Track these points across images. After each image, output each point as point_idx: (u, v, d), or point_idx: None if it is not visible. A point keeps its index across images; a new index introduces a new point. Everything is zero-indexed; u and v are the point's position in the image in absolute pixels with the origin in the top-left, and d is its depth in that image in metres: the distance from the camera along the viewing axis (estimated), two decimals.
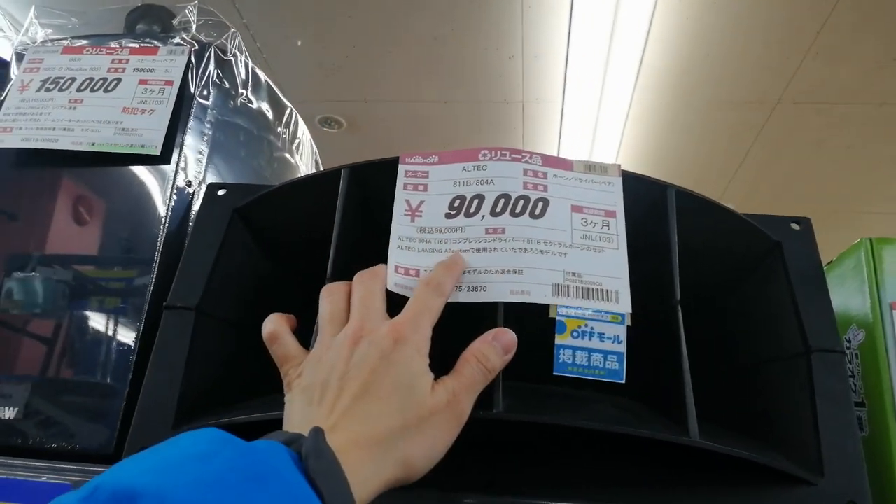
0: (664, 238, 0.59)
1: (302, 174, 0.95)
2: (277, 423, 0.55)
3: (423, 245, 0.56)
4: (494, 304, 0.53)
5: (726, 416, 0.62)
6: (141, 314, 0.64)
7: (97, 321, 0.65)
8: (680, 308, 0.56)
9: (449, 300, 0.52)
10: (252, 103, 0.81)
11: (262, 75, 0.84)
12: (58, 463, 0.58)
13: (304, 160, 0.96)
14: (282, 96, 0.88)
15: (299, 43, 2.81)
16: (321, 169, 1.06)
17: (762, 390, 0.65)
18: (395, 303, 0.53)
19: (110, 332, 0.64)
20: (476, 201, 0.56)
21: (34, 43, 0.77)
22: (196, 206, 0.71)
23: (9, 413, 0.62)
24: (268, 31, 2.78)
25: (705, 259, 0.64)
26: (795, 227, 0.68)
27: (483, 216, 0.56)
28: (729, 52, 2.80)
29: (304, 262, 0.68)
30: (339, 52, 2.92)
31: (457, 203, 0.57)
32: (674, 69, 2.92)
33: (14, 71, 0.77)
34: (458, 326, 0.61)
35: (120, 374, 0.62)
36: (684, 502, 0.54)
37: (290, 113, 0.90)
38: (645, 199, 0.61)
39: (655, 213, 0.61)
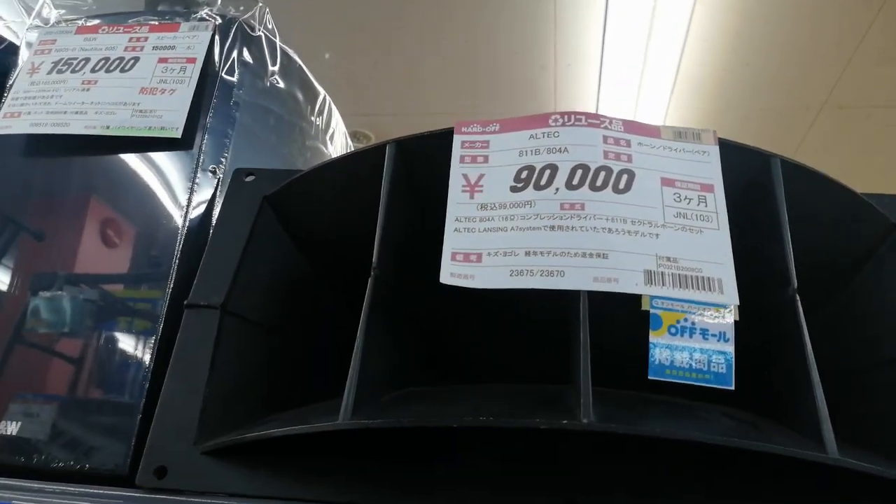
0: (772, 215, 0.50)
1: None
2: (309, 439, 0.47)
3: (485, 224, 0.47)
4: (576, 293, 0.44)
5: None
6: (159, 314, 0.56)
7: (108, 326, 0.57)
8: (799, 297, 0.46)
9: (519, 285, 0.44)
10: (282, 85, 0.73)
11: (293, 55, 0.76)
12: (71, 485, 0.50)
13: (340, 151, 0.88)
14: (315, 81, 0.81)
15: (327, 55, 2.76)
16: None
17: (870, 396, 0.55)
18: (449, 292, 0.45)
19: (125, 339, 0.56)
20: (548, 172, 0.48)
21: (46, 24, 0.70)
22: (221, 194, 0.64)
23: (12, 429, 0.54)
24: (295, 42, 2.74)
25: (809, 244, 0.54)
26: None
27: (557, 189, 0.47)
28: (768, 59, 2.69)
29: (343, 256, 0.60)
30: (367, 65, 2.87)
31: (524, 175, 0.48)
32: (711, 78, 2.81)
33: (24, 55, 0.70)
34: (528, 316, 0.53)
35: (136, 385, 0.54)
36: None
37: (324, 100, 0.82)
38: (742, 172, 0.52)
39: (756, 188, 0.52)
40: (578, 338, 0.42)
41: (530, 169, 0.48)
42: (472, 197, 0.48)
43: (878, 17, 2.45)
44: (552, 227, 0.46)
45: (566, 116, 0.50)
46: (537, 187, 0.47)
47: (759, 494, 0.43)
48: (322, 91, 0.82)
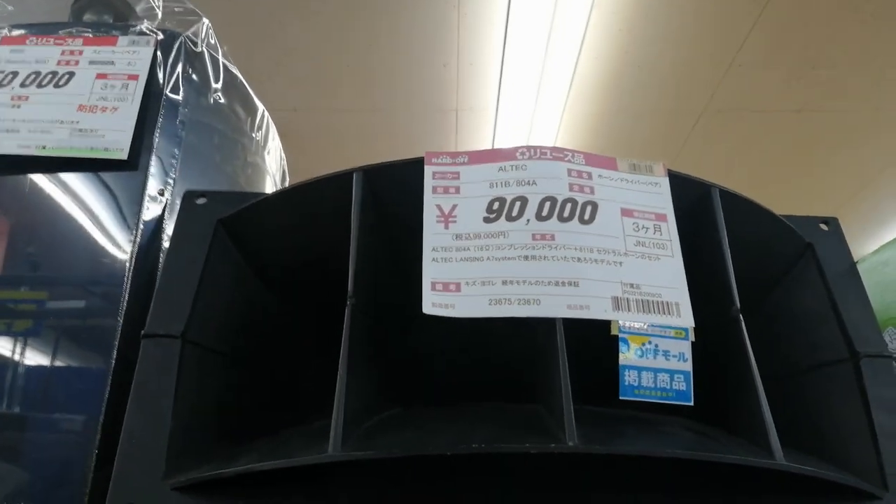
0: (712, 241, 0.54)
1: (271, 183, 0.85)
2: (285, 473, 0.47)
3: (462, 254, 0.49)
4: (551, 321, 0.46)
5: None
6: (112, 345, 0.54)
7: (60, 355, 0.54)
8: (741, 316, 0.51)
9: (499, 314, 0.46)
10: (223, 101, 0.72)
11: (235, 71, 0.74)
12: None
13: (276, 168, 0.87)
14: (254, 96, 0.79)
15: (224, 48, 2.67)
16: (287, 179, 0.97)
17: (803, 400, 0.61)
18: (437, 321, 0.46)
19: (76, 368, 0.54)
20: (518, 204, 0.50)
21: None
22: (169, 216, 0.62)
23: None
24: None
25: (736, 263, 0.59)
26: (824, 227, 0.65)
27: (528, 220, 0.49)
28: (658, 63, 2.85)
29: (304, 282, 0.60)
30: (269, 62, 2.80)
31: (496, 206, 0.50)
32: (606, 79, 2.95)
33: None
34: (506, 343, 0.55)
35: (91, 420, 0.51)
36: None
37: (262, 115, 0.81)
38: (684, 200, 0.57)
39: (697, 215, 0.56)
40: (557, 364, 0.45)
41: (501, 200, 0.50)
42: (446, 227, 0.50)
43: (757, 23, 2.65)
44: (526, 258, 0.48)
45: (532, 150, 0.52)
46: (509, 218, 0.50)
47: (716, 500, 0.48)
48: (261, 106, 0.81)
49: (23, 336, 0.56)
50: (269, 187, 0.84)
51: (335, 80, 2.96)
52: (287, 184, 0.95)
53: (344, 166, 0.56)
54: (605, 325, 0.49)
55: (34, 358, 0.54)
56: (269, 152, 0.83)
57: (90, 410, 0.52)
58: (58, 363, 0.54)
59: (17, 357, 0.54)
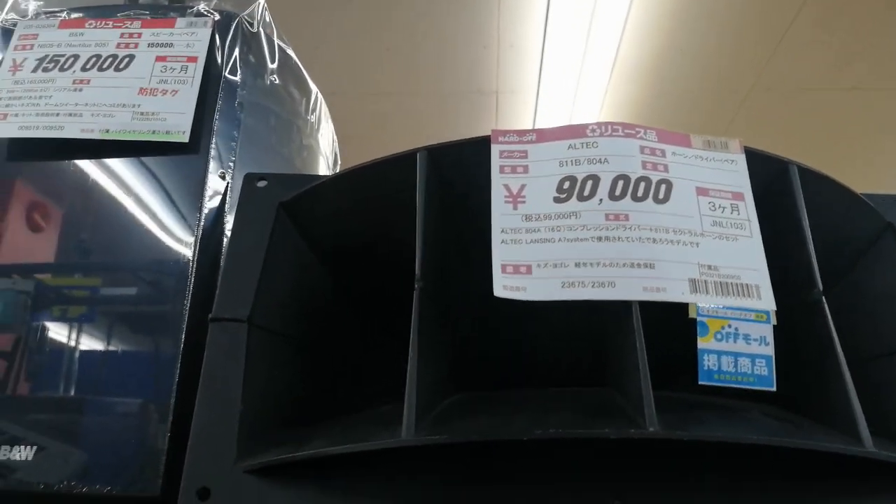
0: (792, 221, 0.52)
1: (325, 166, 0.85)
2: (356, 457, 0.46)
3: (532, 235, 0.47)
4: (627, 304, 0.45)
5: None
6: (180, 328, 0.54)
7: (128, 339, 0.55)
8: (825, 299, 0.49)
9: (572, 297, 0.45)
10: (279, 83, 0.71)
11: (290, 52, 0.74)
12: None
13: (329, 151, 0.86)
14: (309, 78, 0.79)
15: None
16: (339, 162, 0.97)
17: (880, 386, 0.59)
18: (501, 305, 0.45)
19: (146, 351, 0.54)
20: (590, 183, 0.48)
21: (24, 17, 0.65)
22: (230, 199, 0.61)
23: (24, 453, 0.51)
24: None
25: (814, 243, 0.57)
26: None
27: (601, 200, 0.48)
28: (702, 45, 2.78)
29: (367, 265, 0.59)
30: (307, 45, 2.80)
31: (566, 185, 0.49)
32: (649, 61, 2.89)
33: None
34: (580, 325, 0.54)
35: (161, 402, 0.52)
36: None
37: (316, 98, 0.80)
38: (761, 178, 0.54)
39: (775, 193, 0.54)
40: (634, 347, 0.43)
41: (572, 179, 0.49)
42: (515, 208, 0.49)
43: (806, 2, 2.56)
44: (599, 238, 0.47)
45: (603, 127, 0.51)
46: (581, 198, 0.48)
47: (800, 490, 0.46)
48: (314, 88, 0.80)
49: (84, 321, 0.56)
50: (323, 170, 0.84)
51: (374, 64, 2.95)
52: (339, 168, 0.95)
53: (383, 151, 0.55)
54: (677, 307, 0.47)
55: (104, 343, 0.55)
56: (322, 135, 0.83)
57: (161, 394, 0.52)
58: (127, 348, 0.54)
59: (86, 343, 0.55)
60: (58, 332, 0.55)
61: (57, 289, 0.57)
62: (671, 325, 0.46)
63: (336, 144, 0.94)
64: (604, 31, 2.68)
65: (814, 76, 2.93)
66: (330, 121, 0.88)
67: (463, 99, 3.17)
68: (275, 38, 0.71)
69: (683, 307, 0.47)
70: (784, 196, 0.53)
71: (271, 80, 0.70)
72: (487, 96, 3.14)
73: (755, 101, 3.09)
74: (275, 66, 0.70)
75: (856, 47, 2.75)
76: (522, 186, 0.49)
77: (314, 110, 0.80)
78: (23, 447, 0.51)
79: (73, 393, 0.53)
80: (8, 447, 0.52)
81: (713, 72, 2.92)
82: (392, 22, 2.70)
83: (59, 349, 0.55)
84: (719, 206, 0.49)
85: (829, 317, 0.48)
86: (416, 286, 0.48)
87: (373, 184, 0.56)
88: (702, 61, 2.86)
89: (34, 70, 0.62)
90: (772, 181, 0.55)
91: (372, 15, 2.67)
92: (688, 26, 2.66)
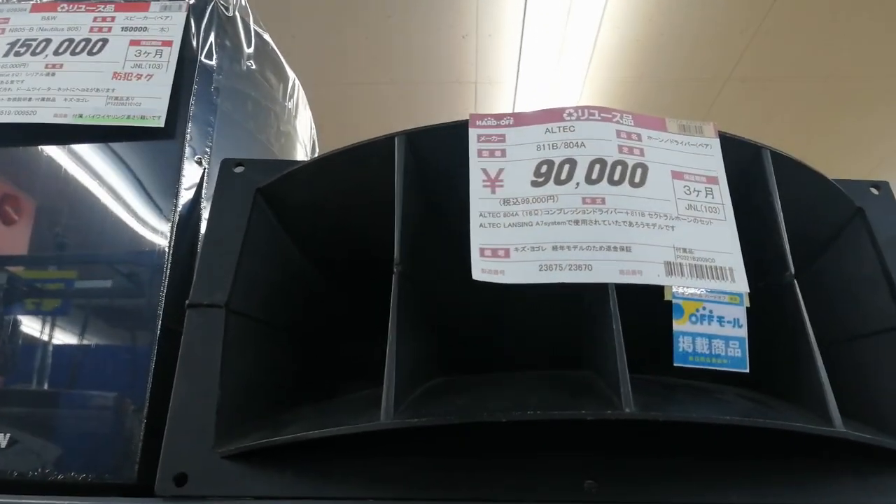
0: (764, 204, 0.53)
1: (303, 152, 0.84)
2: (335, 441, 0.46)
3: (510, 219, 0.48)
4: (603, 286, 0.45)
5: None
6: (156, 315, 0.54)
7: (103, 326, 0.54)
8: (796, 282, 0.50)
9: (549, 280, 0.45)
10: (255, 68, 0.71)
11: (267, 37, 0.73)
12: (68, 499, 0.48)
13: (307, 138, 0.86)
14: (286, 64, 0.78)
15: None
16: (317, 150, 0.96)
17: (850, 368, 0.60)
18: (479, 288, 0.45)
19: (121, 338, 0.53)
20: (567, 167, 0.49)
21: None
22: (207, 185, 0.61)
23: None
24: None
25: (786, 227, 0.58)
26: (874, 191, 0.63)
27: (577, 183, 0.48)
28: (682, 30, 2.79)
29: (344, 250, 0.59)
30: (284, 33, 2.77)
31: (543, 169, 0.49)
32: (628, 47, 2.90)
33: None
34: (558, 309, 0.54)
35: (137, 388, 0.51)
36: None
37: (294, 84, 0.80)
38: (734, 162, 0.55)
39: (748, 177, 0.55)
40: (611, 330, 0.44)
41: (549, 163, 0.49)
42: (493, 192, 0.49)
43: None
44: (576, 222, 0.47)
45: (580, 111, 0.51)
46: (558, 182, 0.48)
47: (772, 470, 0.47)
48: (291, 74, 0.80)
49: (59, 311, 0.56)
50: (301, 157, 0.84)
51: (352, 53, 2.93)
52: (316, 155, 0.94)
53: (360, 139, 0.55)
54: (652, 290, 0.48)
55: (76, 331, 0.54)
56: (300, 122, 0.82)
57: (137, 382, 0.51)
58: (102, 335, 0.54)
59: (61, 334, 0.54)
60: (31, 324, 0.55)
61: (30, 281, 0.57)
62: (646, 308, 0.47)
63: (314, 132, 0.93)
64: (582, 18, 2.69)
65: (790, 65, 2.96)
66: (308, 108, 0.88)
67: (441, 89, 3.17)
68: (251, 23, 0.70)
69: (658, 290, 0.47)
70: (757, 180, 0.54)
71: (248, 66, 0.69)
72: (466, 86, 3.14)
73: (734, 89, 3.12)
74: (251, 50, 0.69)
75: (832, 35, 2.78)
76: (500, 170, 0.50)
77: (292, 96, 0.79)
78: None
79: (48, 382, 0.53)
80: None
81: (692, 59, 2.93)
82: (370, 10, 2.68)
83: (33, 341, 0.54)
84: (694, 190, 0.50)
85: (801, 299, 0.49)
86: (394, 269, 0.48)
87: (351, 168, 0.56)
88: (681, 48, 2.88)
89: (5, 55, 0.61)
90: (745, 165, 0.55)
91: (350, 3, 2.65)
92: (667, 12, 2.67)
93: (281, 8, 2.65)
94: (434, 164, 0.54)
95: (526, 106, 3.26)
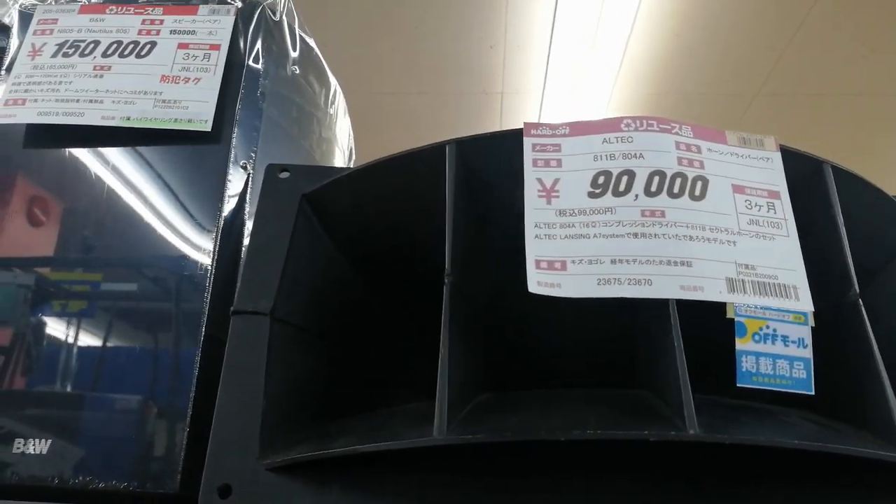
0: (826, 221, 0.51)
1: (342, 160, 0.84)
2: (382, 456, 0.45)
3: (566, 231, 0.46)
4: (664, 302, 0.44)
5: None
6: (200, 322, 0.53)
7: (146, 332, 0.53)
8: (861, 301, 0.48)
9: (608, 294, 0.43)
10: (300, 73, 0.70)
11: (311, 42, 0.73)
12: None
13: (346, 145, 0.85)
14: (328, 69, 0.78)
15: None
16: (354, 157, 0.96)
17: None
18: (531, 303, 0.44)
19: (164, 345, 0.53)
20: (625, 178, 0.47)
21: (43, 2, 0.64)
22: (251, 190, 0.60)
23: (39, 447, 0.50)
24: None
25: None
26: None
27: (636, 196, 0.47)
28: (710, 46, 2.77)
29: (390, 259, 0.58)
30: (316, 43, 2.79)
31: (601, 180, 0.48)
32: (656, 62, 2.88)
33: (15, 35, 0.64)
34: (610, 325, 0.53)
35: (180, 396, 0.51)
36: None
37: (335, 90, 0.79)
38: (794, 177, 0.53)
39: (809, 193, 0.53)
40: (672, 347, 0.42)
41: (607, 174, 0.48)
42: (549, 202, 0.47)
43: (814, 7, 2.55)
44: (635, 235, 0.46)
45: (638, 121, 0.50)
46: (616, 193, 0.47)
47: (839, 496, 0.45)
48: (334, 80, 0.79)
49: (83, 316, 0.55)
50: (341, 164, 0.83)
51: (380, 63, 2.94)
52: (353, 163, 0.94)
53: (388, 149, 0.54)
54: (712, 307, 0.46)
55: (120, 338, 0.54)
56: (340, 129, 0.82)
57: (180, 389, 0.51)
58: (145, 342, 0.53)
59: (105, 337, 0.54)
60: (74, 330, 0.54)
61: (62, 283, 0.56)
62: (703, 324, 0.45)
63: (352, 139, 0.93)
64: (611, 31, 2.68)
65: (821, 81, 2.93)
66: (347, 115, 0.87)
67: (469, 99, 3.16)
68: (296, 27, 0.70)
69: (717, 307, 0.46)
70: (818, 195, 0.52)
71: (293, 70, 0.69)
72: (492, 97, 3.14)
73: (762, 104, 3.09)
74: (296, 55, 0.69)
75: (863, 52, 2.74)
76: (556, 181, 0.48)
77: (333, 102, 0.79)
78: (37, 441, 0.50)
79: (91, 388, 0.52)
80: (22, 441, 0.51)
81: (720, 74, 2.91)
82: (400, 20, 2.69)
83: (78, 347, 0.53)
84: (756, 205, 0.48)
85: (866, 319, 0.47)
86: (445, 280, 0.47)
87: (399, 176, 0.55)
88: (709, 64, 2.86)
89: (54, 55, 0.61)
90: (806, 181, 0.54)
91: (377, 13, 2.66)
92: (696, 28, 2.66)
93: (313, 18, 2.67)
94: (485, 173, 0.53)
95: (551, 118, 3.24)
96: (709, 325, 0.46)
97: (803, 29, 2.65)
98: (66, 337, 0.53)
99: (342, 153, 0.84)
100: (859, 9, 2.56)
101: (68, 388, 0.52)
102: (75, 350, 0.53)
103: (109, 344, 0.54)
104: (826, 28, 2.64)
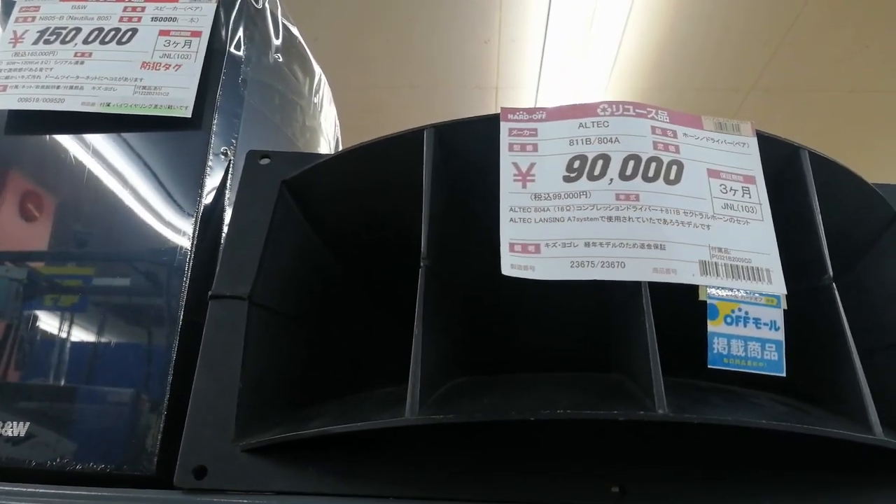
0: (802, 206, 0.51)
1: (327, 148, 0.84)
2: (357, 437, 0.45)
3: (541, 214, 0.47)
4: (636, 285, 0.44)
5: None
6: (178, 307, 0.53)
7: (124, 316, 0.53)
8: (835, 286, 0.48)
9: (581, 277, 0.44)
10: (283, 61, 0.70)
11: (295, 31, 0.73)
12: (88, 489, 0.47)
13: (331, 134, 0.85)
14: (312, 59, 0.78)
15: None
16: (341, 147, 0.96)
17: (886, 376, 0.58)
18: (504, 285, 0.44)
19: (142, 329, 0.53)
20: (600, 162, 0.48)
21: None
22: (232, 177, 0.60)
23: (16, 429, 0.50)
24: None
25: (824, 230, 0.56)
26: None
27: (611, 179, 0.47)
28: (705, 41, 2.77)
29: (369, 245, 0.59)
30: (306, 36, 2.79)
31: (576, 164, 0.48)
32: (650, 56, 2.88)
33: None
34: (585, 308, 0.53)
35: (157, 379, 0.51)
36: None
37: (320, 79, 0.79)
38: (770, 162, 0.53)
39: (786, 178, 0.53)
40: (644, 330, 0.43)
41: (582, 158, 0.48)
42: (524, 186, 0.48)
43: (808, 2, 2.55)
44: (609, 218, 0.46)
45: (614, 106, 0.50)
46: (591, 177, 0.47)
47: (808, 478, 0.45)
48: (318, 69, 0.79)
49: (78, 307, 0.55)
50: (326, 153, 0.83)
51: (373, 56, 2.94)
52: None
53: None
54: (685, 291, 0.46)
55: (97, 323, 0.54)
56: (325, 118, 0.82)
57: (158, 373, 0.51)
58: (123, 326, 0.53)
59: (81, 322, 0.54)
60: (52, 318, 0.54)
61: (39, 271, 0.56)
62: (678, 308, 0.46)
63: (338, 129, 0.93)
64: (606, 26, 2.68)
65: (814, 78, 2.93)
66: (333, 104, 0.87)
67: (462, 93, 3.16)
68: (279, 16, 0.70)
69: (692, 291, 0.46)
70: (794, 180, 0.53)
71: (275, 59, 0.69)
72: (487, 91, 3.13)
73: (757, 99, 3.09)
74: (279, 43, 0.69)
75: (857, 48, 2.75)
76: (532, 165, 0.49)
77: (318, 92, 0.79)
78: (14, 423, 0.50)
79: (68, 374, 0.52)
80: None
81: (715, 69, 2.91)
82: (392, 14, 2.68)
83: (53, 335, 0.54)
84: (731, 189, 0.49)
85: (840, 303, 0.48)
86: (421, 264, 0.47)
87: (378, 161, 0.55)
88: (704, 58, 2.86)
89: (35, 42, 0.61)
90: (782, 166, 0.54)
91: (371, 7, 2.65)
92: (690, 22, 2.66)
93: (304, 10, 2.66)
94: (463, 158, 0.53)
95: None
96: (684, 309, 0.46)
97: (798, 24, 2.65)
98: (42, 323, 0.53)
99: (327, 142, 0.84)
100: (854, 5, 2.56)
101: (48, 374, 0.52)
102: (50, 336, 0.53)
103: (85, 329, 0.54)
104: (821, 24, 2.65)
